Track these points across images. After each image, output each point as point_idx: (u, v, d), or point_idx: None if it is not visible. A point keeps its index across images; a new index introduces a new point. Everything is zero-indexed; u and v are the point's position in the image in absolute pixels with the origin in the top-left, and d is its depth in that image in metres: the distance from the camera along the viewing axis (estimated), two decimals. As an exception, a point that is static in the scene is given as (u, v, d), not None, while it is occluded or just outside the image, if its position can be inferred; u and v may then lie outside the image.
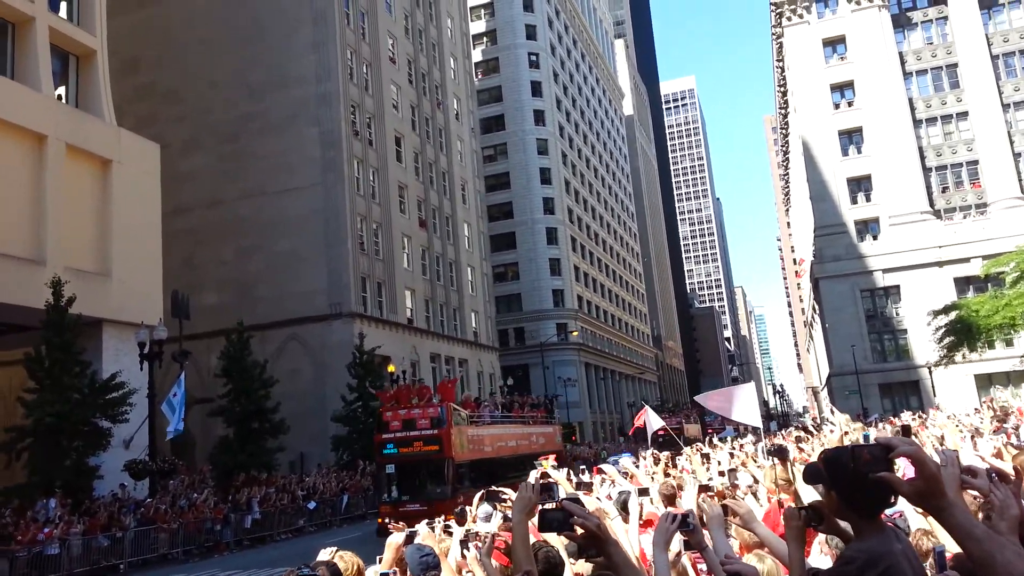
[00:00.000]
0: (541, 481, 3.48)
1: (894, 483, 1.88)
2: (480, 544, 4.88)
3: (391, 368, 37.71)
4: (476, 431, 22.21)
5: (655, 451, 17.07)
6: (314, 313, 39.18)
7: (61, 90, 26.67)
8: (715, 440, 20.93)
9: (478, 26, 74.26)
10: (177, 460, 25.99)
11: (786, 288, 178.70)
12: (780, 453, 9.78)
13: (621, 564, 2.40)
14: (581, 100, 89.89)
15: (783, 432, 26.49)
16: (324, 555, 6.21)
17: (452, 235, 53.48)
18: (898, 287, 51.68)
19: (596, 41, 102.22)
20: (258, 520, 24.28)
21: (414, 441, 19.86)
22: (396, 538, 4.82)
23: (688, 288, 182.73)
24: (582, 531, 2.36)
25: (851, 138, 55.39)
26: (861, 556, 2.20)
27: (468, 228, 56.81)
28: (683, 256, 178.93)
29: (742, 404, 14.70)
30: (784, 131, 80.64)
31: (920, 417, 22.19)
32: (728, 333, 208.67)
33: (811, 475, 2.47)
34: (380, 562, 4.81)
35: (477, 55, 73.30)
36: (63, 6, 27.08)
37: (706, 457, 12.70)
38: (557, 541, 4.33)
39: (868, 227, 53.96)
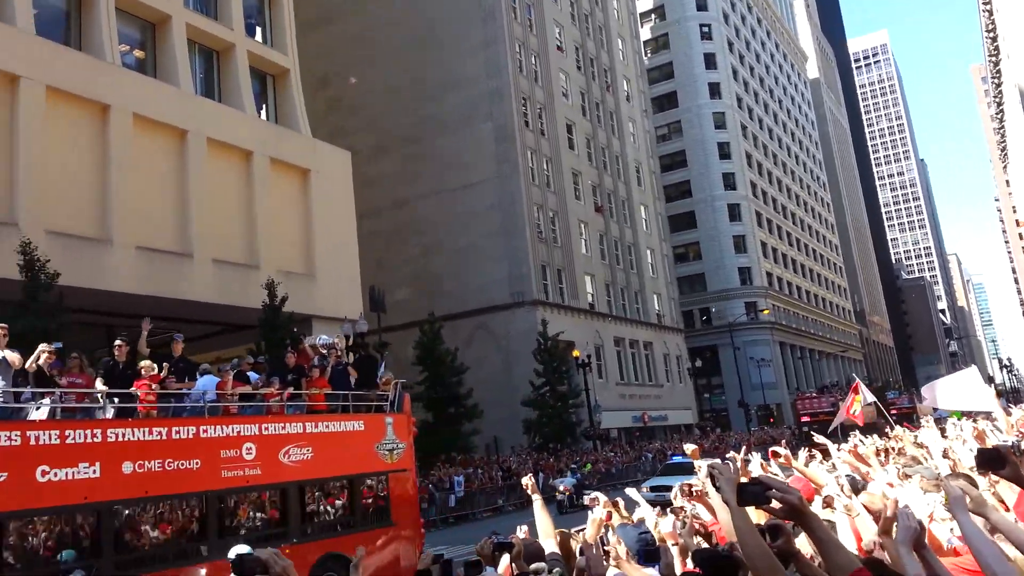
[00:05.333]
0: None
1: None
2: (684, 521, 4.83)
3: (575, 353, 37.93)
4: None
5: (860, 438, 15.06)
6: (498, 303, 40.26)
7: (262, 108, 29.30)
8: (923, 422, 18.51)
9: (645, 3, 72.72)
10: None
11: (1009, 252, 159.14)
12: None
13: (825, 540, 2.28)
14: (760, 68, 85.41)
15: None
16: (520, 532, 6.30)
17: (629, 218, 52.81)
18: None
19: (772, 3, 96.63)
20: (461, 498, 25.30)
21: None
22: (598, 513, 4.86)
23: (893, 258, 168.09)
24: (781, 504, 2.30)
25: (1083, 71, 48.18)
26: None
27: (645, 210, 55.84)
28: (885, 224, 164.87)
29: (970, 390, 13.09)
30: (996, 80, 71.90)
31: None
32: (943, 305, 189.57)
33: None
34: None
35: (645, 33, 71.83)
36: (258, 31, 29.70)
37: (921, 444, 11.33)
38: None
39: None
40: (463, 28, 43.22)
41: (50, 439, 8.58)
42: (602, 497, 5.20)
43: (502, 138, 41.98)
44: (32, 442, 8.41)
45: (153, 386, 10.27)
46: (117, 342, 10.76)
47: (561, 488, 24.24)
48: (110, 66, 22.82)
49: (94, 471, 8.81)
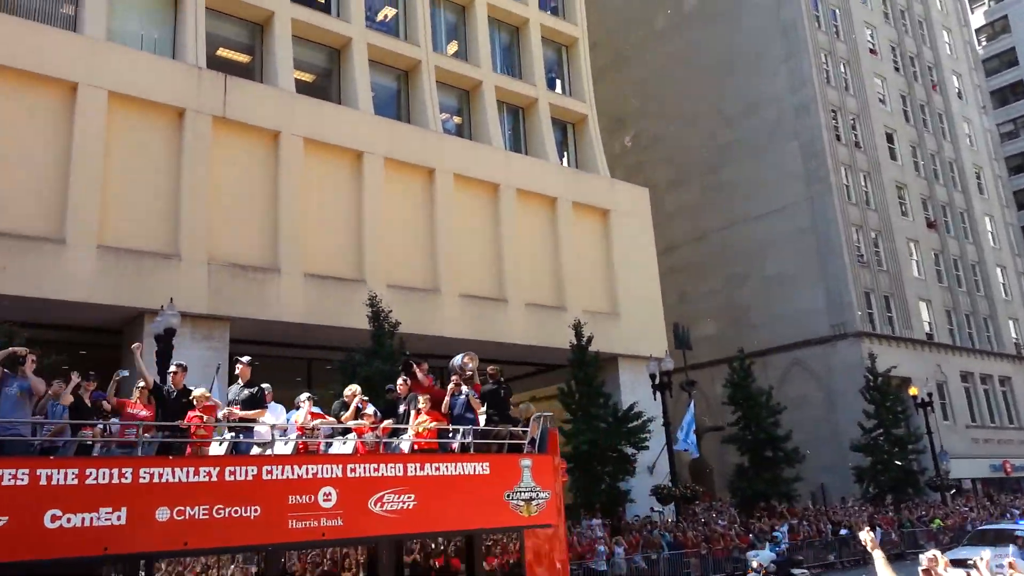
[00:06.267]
0: None
1: None
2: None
3: (913, 391, 33.47)
4: None
5: None
6: (815, 335, 37.11)
7: (563, 155, 30.54)
8: None
9: (974, -13, 63.77)
10: (697, 487, 26.69)
11: None
12: None
13: None
14: None
15: None
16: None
17: (970, 232, 45.85)
18: None
19: None
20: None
21: None
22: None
23: None
24: None
25: None
26: None
27: (990, 221, 48.10)
28: None
29: None
30: None
31: None
32: None
33: None
34: None
35: (978, 19, 62.84)
36: (558, 83, 31.14)
37: None
38: None
39: None
40: (760, 47, 41.31)
41: (65, 479, 7.32)
42: (941, 556, 4.66)
43: (810, 155, 39.06)
44: (43, 482, 7.23)
45: (205, 418, 8.98)
46: (172, 368, 9.53)
47: (754, 565, 17.81)
48: (434, 134, 25.34)
49: (118, 517, 7.44)
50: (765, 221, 39.69)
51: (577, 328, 24.40)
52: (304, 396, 10.24)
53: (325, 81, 25.02)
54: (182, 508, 7.70)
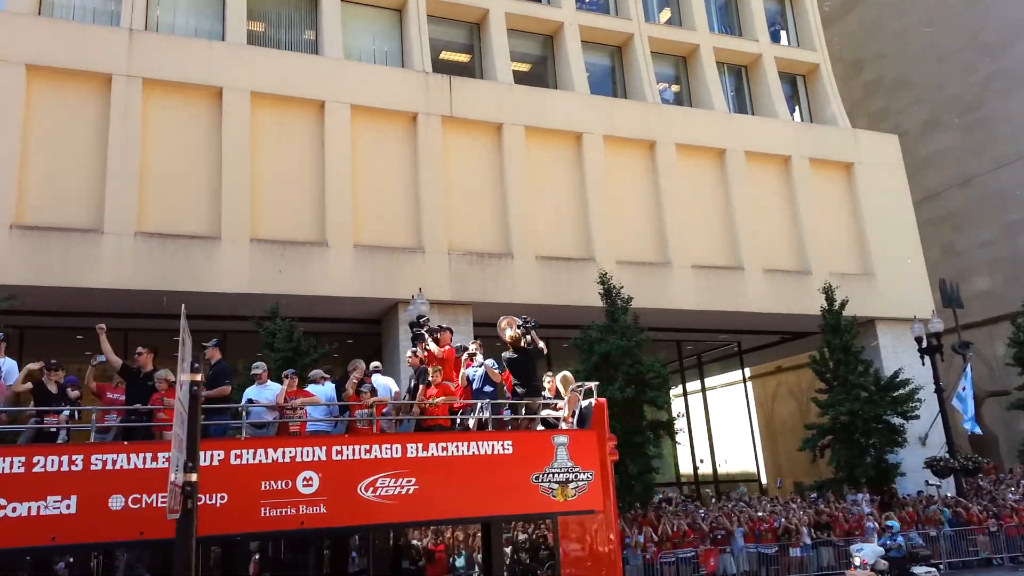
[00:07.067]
0: None
1: None
2: None
3: None
4: None
5: None
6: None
7: (794, 110, 28.52)
8: None
9: None
10: (980, 458, 23.68)
11: None
12: None
13: None
14: None
15: None
16: None
17: None
18: None
19: None
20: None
21: None
22: None
23: None
24: None
25: None
26: None
27: None
28: None
29: None
30: None
31: None
32: None
33: None
34: None
35: None
36: (783, 35, 29.15)
37: None
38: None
39: None
40: (1024, -41, 35.63)
41: (11, 467, 7.13)
42: None
43: (1100, 76, 33.04)
44: None
45: (164, 400, 8.46)
46: (139, 350, 9.29)
47: (857, 562, 15.07)
48: (652, 106, 24.86)
49: (68, 506, 7.17)
50: (1046, 157, 34.20)
51: (827, 292, 22.73)
52: (288, 372, 9.81)
53: (540, 68, 25.51)
54: (138, 496, 7.42)
